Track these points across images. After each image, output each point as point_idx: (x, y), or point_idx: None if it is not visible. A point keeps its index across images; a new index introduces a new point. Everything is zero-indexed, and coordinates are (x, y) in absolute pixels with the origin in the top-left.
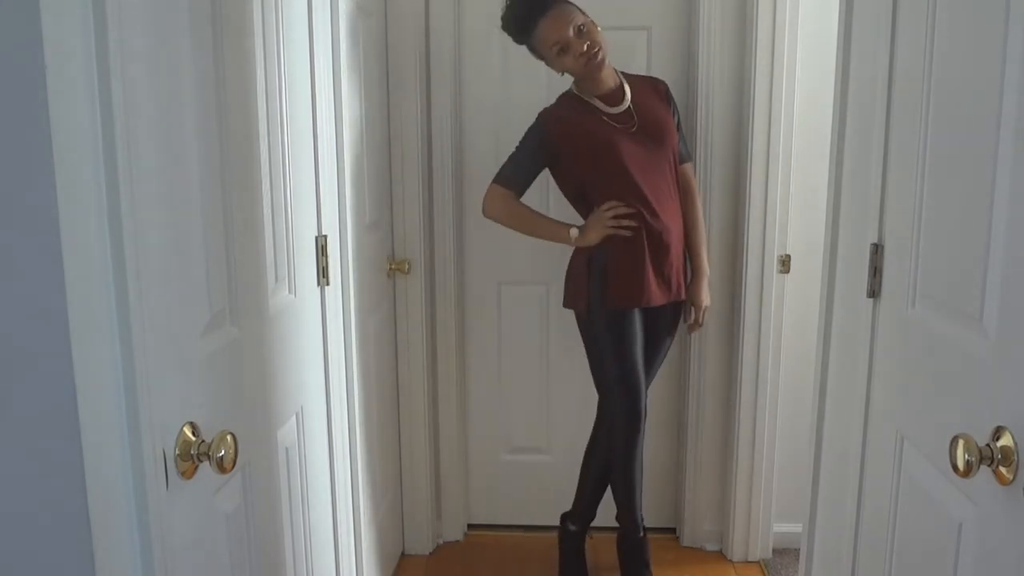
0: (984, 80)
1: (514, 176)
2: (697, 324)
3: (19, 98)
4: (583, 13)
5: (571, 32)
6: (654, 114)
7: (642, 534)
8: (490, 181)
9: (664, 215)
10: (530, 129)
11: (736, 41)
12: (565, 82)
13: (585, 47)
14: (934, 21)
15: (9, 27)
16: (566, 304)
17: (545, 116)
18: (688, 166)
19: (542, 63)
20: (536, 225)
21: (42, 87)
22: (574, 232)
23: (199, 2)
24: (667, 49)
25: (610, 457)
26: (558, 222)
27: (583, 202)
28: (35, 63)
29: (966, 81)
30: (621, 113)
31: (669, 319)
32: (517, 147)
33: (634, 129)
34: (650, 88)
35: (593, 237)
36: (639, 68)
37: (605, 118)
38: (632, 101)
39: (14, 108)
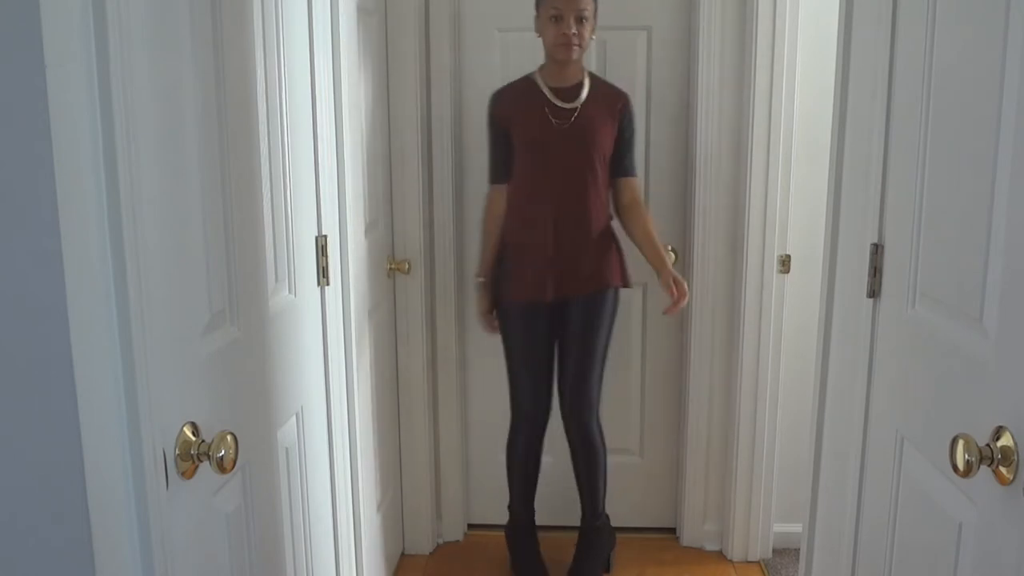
0: (984, 80)
1: (495, 169)
2: (677, 305)
3: (19, 98)
4: (595, 7)
5: (572, 12)
6: (592, 124)
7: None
8: (491, 183)
9: (576, 207)
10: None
11: (736, 41)
12: None
13: (571, 33)
14: (934, 21)
15: (9, 27)
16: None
17: (492, 99)
18: (631, 180)
19: (540, 60)
20: (482, 246)
21: (42, 87)
22: (477, 281)
23: (199, 3)
24: (667, 49)
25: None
26: (485, 259)
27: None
28: (35, 62)
29: (966, 81)
30: (564, 109)
31: (588, 309)
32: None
33: (566, 127)
34: (608, 102)
35: (481, 308)
36: (639, 68)
37: (546, 108)
38: (582, 104)
39: (14, 108)
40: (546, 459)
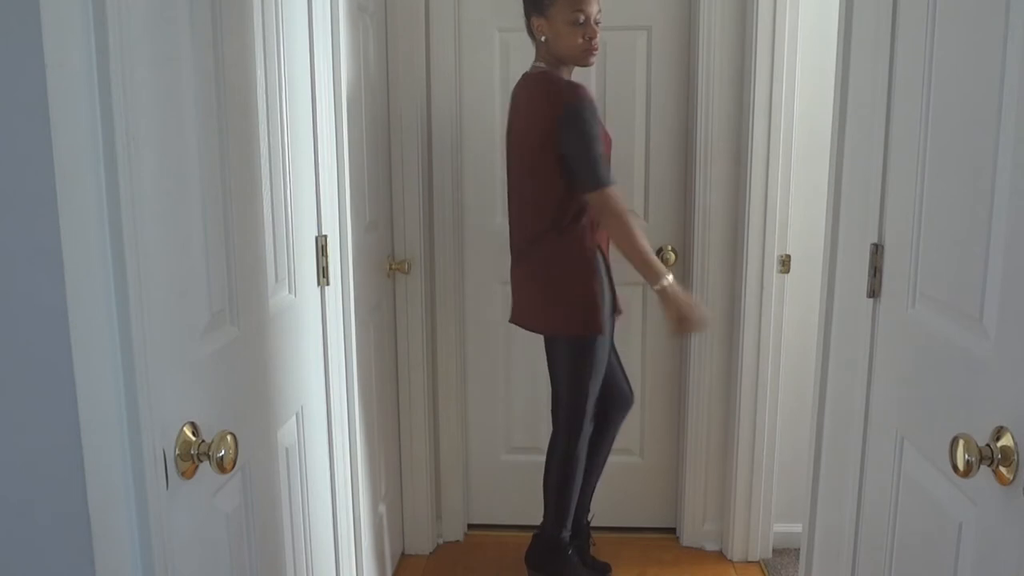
0: (984, 79)
1: (606, 168)
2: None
3: (19, 97)
4: None
5: (595, 14)
6: None
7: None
8: (604, 187)
9: None
10: (580, 113)
11: (736, 41)
12: None
13: (596, 37)
14: (934, 21)
15: (9, 26)
16: (569, 331)
17: (581, 91)
18: None
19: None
20: (643, 246)
21: (42, 87)
22: (670, 279)
23: (199, 3)
24: (667, 49)
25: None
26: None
27: (563, 202)
28: (35, 62)
29: (966, 80)
30: None
31: None
32: (586, 140)
33: None
34: None
35: (685, 307)
36: (639, 68)
37: None
38: None
39: (14, 108)
40: (544, 458)
